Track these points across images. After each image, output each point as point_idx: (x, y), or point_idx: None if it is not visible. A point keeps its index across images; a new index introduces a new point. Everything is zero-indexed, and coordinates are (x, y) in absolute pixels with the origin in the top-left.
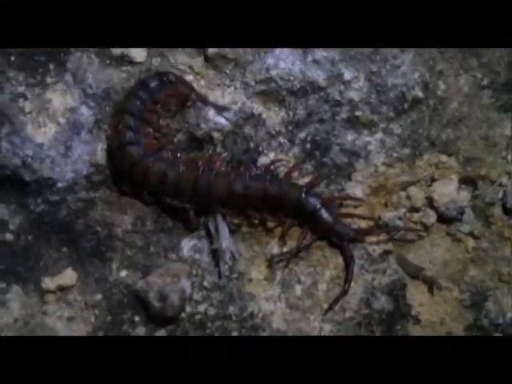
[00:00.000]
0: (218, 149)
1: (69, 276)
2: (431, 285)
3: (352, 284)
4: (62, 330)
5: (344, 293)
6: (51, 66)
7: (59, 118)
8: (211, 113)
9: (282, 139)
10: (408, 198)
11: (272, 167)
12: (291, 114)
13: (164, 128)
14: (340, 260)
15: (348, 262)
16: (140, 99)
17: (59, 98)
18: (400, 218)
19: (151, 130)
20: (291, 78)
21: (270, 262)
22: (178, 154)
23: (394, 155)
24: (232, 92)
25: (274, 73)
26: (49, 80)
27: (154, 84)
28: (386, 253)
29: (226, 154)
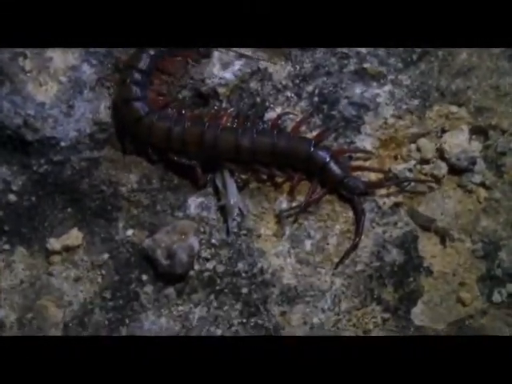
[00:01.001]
0: (224, 104)
1: (74, 236)
2: (443, 236)
3: (363, 237)
4: (68, 290)
5: (355, 246)
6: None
7: (60, 76)
8: (216, 68)
9: (288, 93)
10: (418, 149)
11: (279, 121)
12: (298, 67)
13: (170, 85)
14: (350, 214)
15: (358, 215)
16: (149, 56)
17: (60, 56)
18: (410, 170)
19: (157, 87)
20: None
21: (279, 218)
22: (183, 111)
23: (404, 107)
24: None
25: None
26: None
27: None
28: (397, 205)
29: (232, 109)
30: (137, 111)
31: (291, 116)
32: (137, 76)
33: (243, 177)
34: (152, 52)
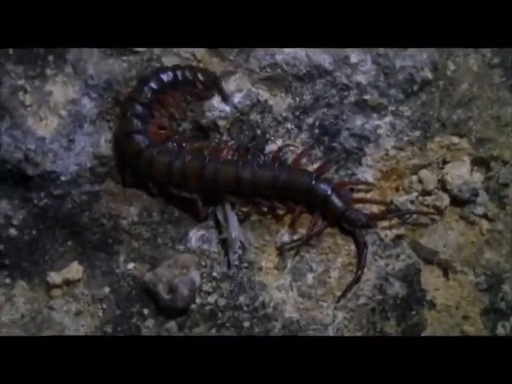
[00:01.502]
0: (224, 137)
1: (75, 270)
2: (446, 269)
3: (365, 270)
4: (69, 324)
5: (357, 279)
6: (50, 58)
7: (61, 110)
8: (216, 100)
9: (289, 125)
10: (420, 181)
11: (280, 154)
12: (298, 99)
13: (171, 119)
14: (352, 247)
15: (361, 248)
16: (151, 89)
17: (60, 90)
18: (412, 202)
19: (158, 120)
20: (297, 62)
21: (281, 251)
22: (184, 144)
23: (405, 138)
24: (237, 79)
25: (278, 58)
26: (49, 72)
27: (167, 77)
28: (399, 237)
29: (232, 142)
30: (137, 144)
31: (292, 148)
32: (138, 109)
33: (244, 209)
34: (154, 85)
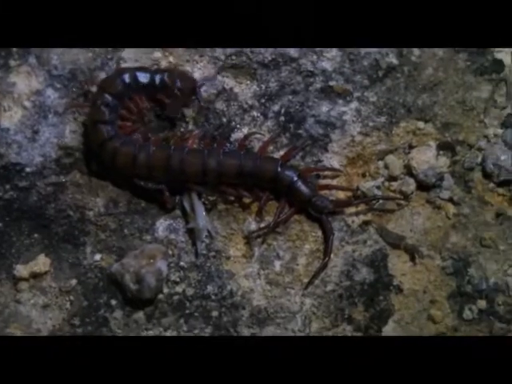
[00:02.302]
0: (190, 126)
1: (42, 262)
2: (413, 253)
3: (332, 256)
4: (36, 318)
5: (324, 266)
6: (14, 49)
7: (25, 101)
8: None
9: (255, 113)
10: (386, 166)
11: (246, 142)
12: (263, 86)
13: (141, 112)
14: (319, 233)
15: (327, 234)
16: (124, 84)
17: (24, 81)
18: (378, 188)
19: (127, 113)
20: (262, 50)
21: (248, 239)
22: (150, 135)
23: (371, 124)
24: (202, 67)
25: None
26: (12, 63)
27: (144, 77)
28: (366, 223)
29: (198, 131)
30: (102, 134)
31: (258, 136)
32: (108, 99)
33: (211, 198)
34: (127, 80)
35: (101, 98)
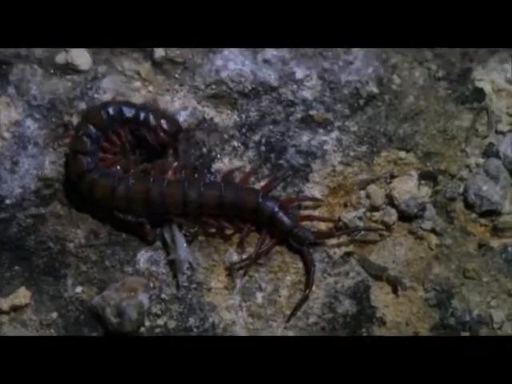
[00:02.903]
0: (170, 156)
1: (22, 295)
2: (395, 285)
3: (314, 288)
4: None
5: (305, 298)
6: None
7: (4, 132)
8: (162, 121)
9: (235, 143)
10: (368, 196)
11: (231, 176)
12: (244, 116)
13: (124, 146)
14: (301, 265)
15: (308, 266)
16: (110, 117)
17: (3, 112)
18: (360, 218)
19: (110, 145)
20: (242, 79)
21: (230, 270)
22: (130, 167)
23: (352, 153)
24: (182, 97)
25: (224, 75)
26: None
27: (129, 112)
28: (348, 254)
29: (176, 163)
30: (81, 165)
31: (239, 166)
32: (91, 130)
33: (192, 230)
34: (112, 113)
35: (84, 128)
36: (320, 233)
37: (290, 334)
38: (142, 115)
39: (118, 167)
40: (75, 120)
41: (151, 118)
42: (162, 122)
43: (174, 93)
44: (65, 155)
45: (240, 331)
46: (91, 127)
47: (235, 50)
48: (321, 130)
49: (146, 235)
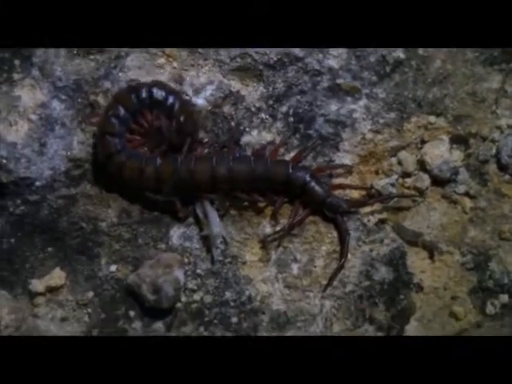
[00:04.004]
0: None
1: (57, 276)
2: (431, 250)
3: (350, 257)
4: (55, 331)
5: (341, 267)
6: (16, 62)
7: (30, 114)
8: (188, 94)
9: (263, 115)
10: (399, 163)
11: (264, 151)
12: (270, 88)
13: (151, 129)
14: (335, 234)
15: (343, 235)
16: (140, 100)
17: (28, 94)
18: (393, 185)
19: (138, 127)
20: (267, 51)
21: (264, 243)
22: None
23: (381, 121)
24: (207, 71)
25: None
26: (16, 76)
27: (159, 95)
28: (382, 222)
29: (206, 140)
30: (109, 147)
31: (269, 139)
32: (120, 111)
33: (224, 204)
34: (144, 96)
35: (114, 109)
36: (353, 201)
37: (328, 303)
38: (169, 101)
39: (146, 148)
40: (101, 100)
41: (175, 107)
42: (182, 118)
43: (199, 68)
44: (93, 136)
45: (277, 303)
46: (121, 108)
47: None
48: (349, 99)
49: (179, 213)
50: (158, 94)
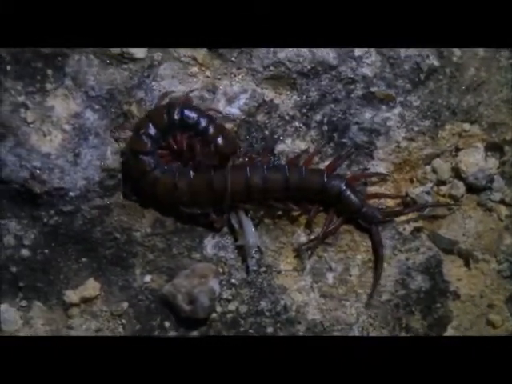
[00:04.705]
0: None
1: (91, 286)
2: (467, 258)
3: (385, 266)
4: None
5: (377, 279)
6: (49, 72)
7: (64, 124)
8: (221, 103)
9: (297, 123)
10: (434, 171)
11: (298, 160)
12: (304, 96)
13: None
14: (370, 243)
15: (376, 246)
16: (172, 119)
17: (62, 104)
18: (428, 193)
19: (168, 147)
20: (300, 59)
21: (298, 252)
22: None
23: (415, 128)
24: (240, 80)
25: (281, 56)
26: (49, 86)
27: (191, 120)
28: (418, 230)
29: (240, 149)
30: (143, 165)
31: (303, 148)
32: (152, 130)
33: (258, 214)
34: (174, 115)
35: (145, 127)
36: (388, 211)
37: (364, 312)
38: (203, 125)
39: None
40: (134, 109)
41: (210, 130)
42: (219, 139)
43: (232, 76)
44: (122, 154)
45: (312, 312)
46: (152, 127)
47: None
48: (383, 107)
49: (214, 223)
50: (190, 116)
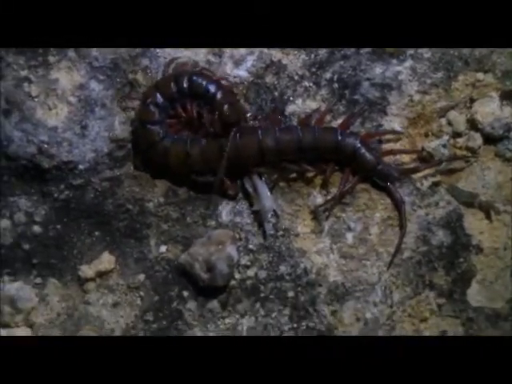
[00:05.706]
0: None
1: (106, 260)
2: (488, 210)
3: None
4: (108, 317)
5: (402, 237)
6: None
7: (69, 97)
8: (228, 66)
9: (306, 83)
10: (449, 123)
11: (309, 119)
12: (312, 55)
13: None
14: (389, 200)
15: (397, 203)
16: (180, 88)
17: (66, 76)
18: (444, 146)
19: (176, 116)
20: None
21: (315, 214)
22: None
23: (428, 81)
24: None
25: None
26: (51, 59)
27: (199, 88)
28: (436, 184)
29: (249, 113)
30: (152, 135)
31: (314, 107)
32: (159, 99)
33: (272, 177)
34: (182, 84)
35: (153, 97)
36: (405, 168)
37: (386, 271)
38: (211, 92)
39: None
40: (140, 77)
41: (218, 97)
42: (225, 108)
43: None
44: (131, 122)
45: (333, 274)
46: (159, 96)
47: None
48: (393, 60)
49: (228, 190)
50: (198, 85)
